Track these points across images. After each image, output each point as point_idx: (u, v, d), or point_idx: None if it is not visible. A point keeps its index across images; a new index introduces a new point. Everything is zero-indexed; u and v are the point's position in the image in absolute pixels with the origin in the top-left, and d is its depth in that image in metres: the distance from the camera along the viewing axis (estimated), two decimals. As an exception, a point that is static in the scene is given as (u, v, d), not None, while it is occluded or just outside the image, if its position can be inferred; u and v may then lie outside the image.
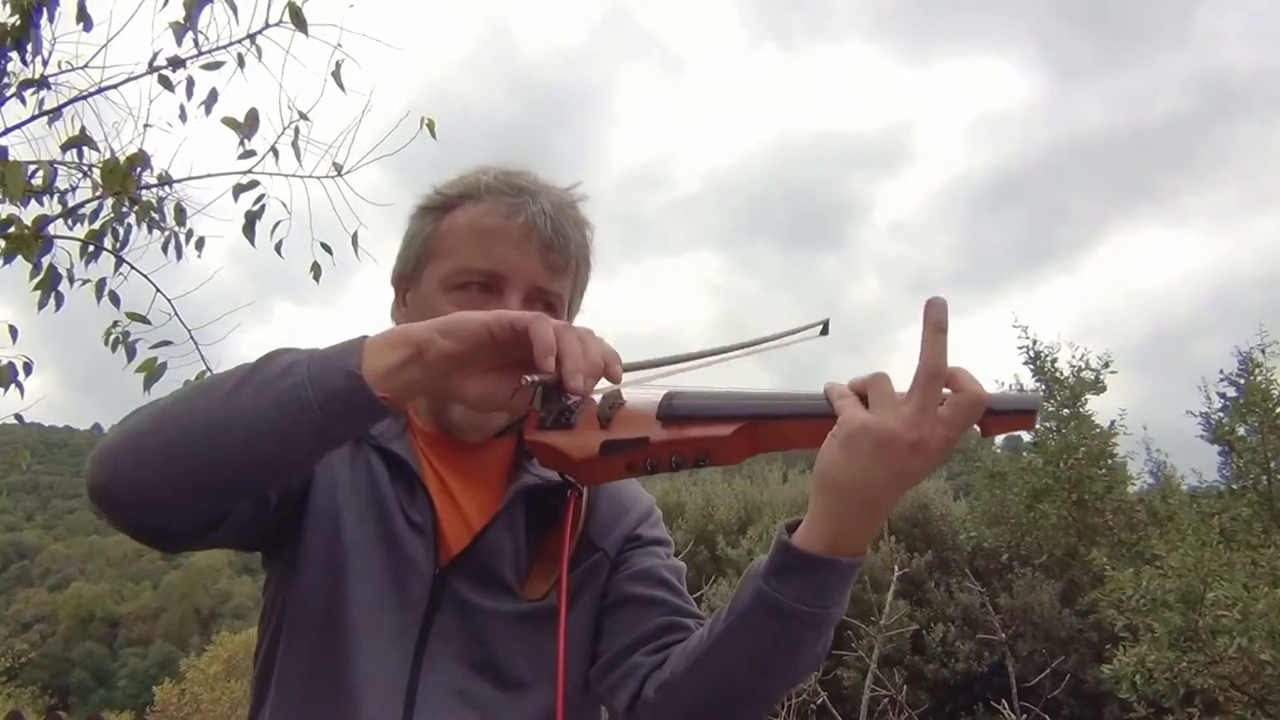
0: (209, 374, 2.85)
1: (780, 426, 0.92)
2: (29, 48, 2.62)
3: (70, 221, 2.84)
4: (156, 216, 2.96)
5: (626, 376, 0.92)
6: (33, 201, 2.73)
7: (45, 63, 2.70)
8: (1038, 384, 10.34)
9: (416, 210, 1.15)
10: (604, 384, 0.95)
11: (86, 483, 0.88)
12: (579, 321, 1.17)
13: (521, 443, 1.11)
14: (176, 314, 2.90)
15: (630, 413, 0.95)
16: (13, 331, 2.81)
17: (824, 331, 1.01)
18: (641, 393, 0.97)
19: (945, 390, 0.82)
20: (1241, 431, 8.67)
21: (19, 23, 2.57)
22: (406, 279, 1.14)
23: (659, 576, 1.13)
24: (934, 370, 0.80)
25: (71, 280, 2.87)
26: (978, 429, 0.85)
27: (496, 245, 1.06)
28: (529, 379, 0.84)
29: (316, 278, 2.94)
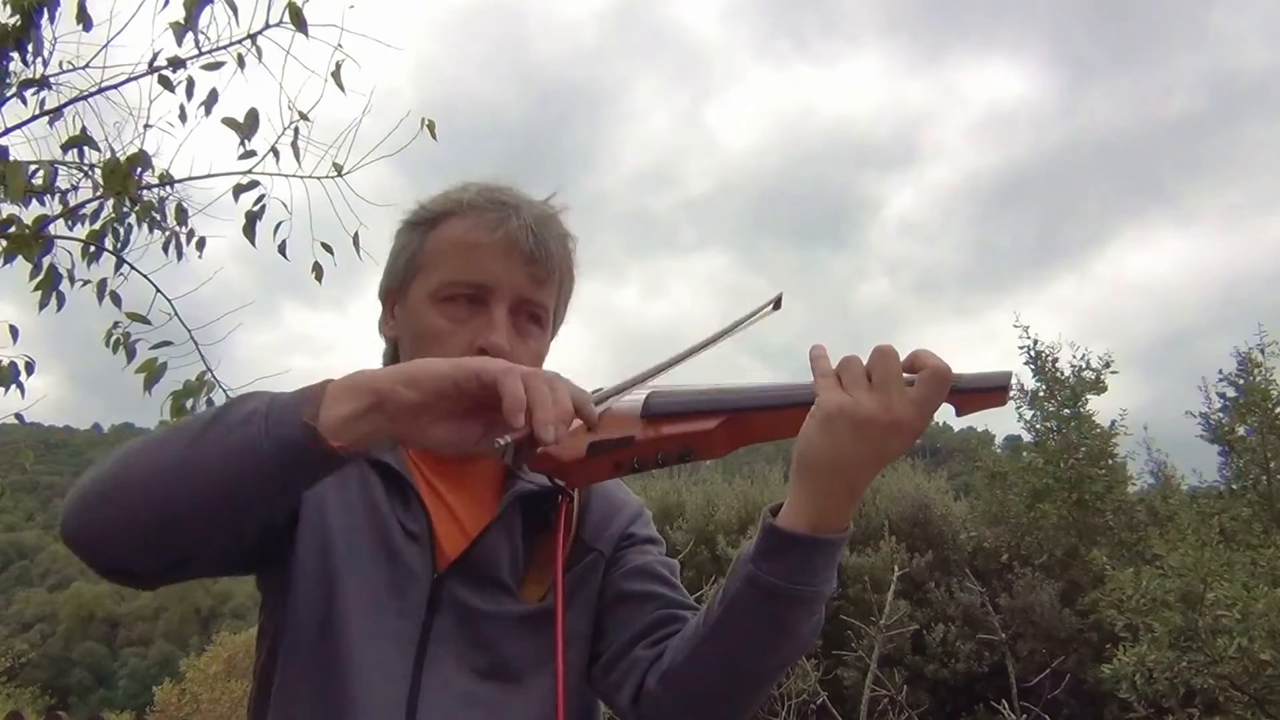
0: (208, 374, 2.86)
1: (761, 417, 0.94)
2: (29, 48, 2.62)
3: (71, 222, 2.85)
4: (157, 217, 2.96)
5: (600, 406, 0.92)
6: (33, 201, 2.74)
7: (46, 63, 2.71)
8: (1038, 384, 10.36)
9: (402, 225, 1.18)
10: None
11: (60, 527, 0.89)
12: (578, 324, 1.19)
13: None
14: (177, 314, 2.90)
15: (616, 414, 0.97)
16: (13, 331, 2.82)
17: (777, 306, 1.04)
18: (627, 395, 0.99)
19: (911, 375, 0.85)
20: (1241, 431, 8.69)
21: (19, 23, 2.57)
22: (395, 293, 1.17)
23: (653, 571, 1.14)
24: (883, 350, 0.85)
25: (72, 280, 2.87)
26: (952, 408, 0.86)
27: (481, 258, 1.09)
28: (500, 441, 0.80)
29: (319, 278, 2.95)
